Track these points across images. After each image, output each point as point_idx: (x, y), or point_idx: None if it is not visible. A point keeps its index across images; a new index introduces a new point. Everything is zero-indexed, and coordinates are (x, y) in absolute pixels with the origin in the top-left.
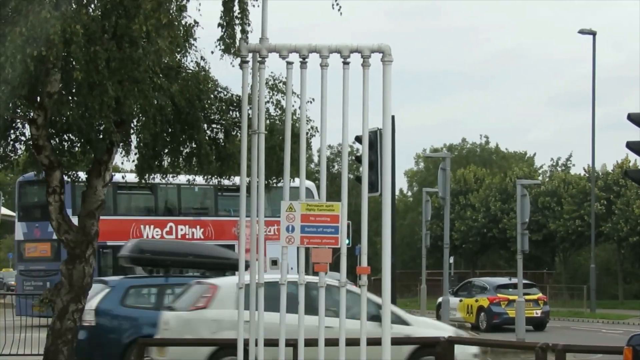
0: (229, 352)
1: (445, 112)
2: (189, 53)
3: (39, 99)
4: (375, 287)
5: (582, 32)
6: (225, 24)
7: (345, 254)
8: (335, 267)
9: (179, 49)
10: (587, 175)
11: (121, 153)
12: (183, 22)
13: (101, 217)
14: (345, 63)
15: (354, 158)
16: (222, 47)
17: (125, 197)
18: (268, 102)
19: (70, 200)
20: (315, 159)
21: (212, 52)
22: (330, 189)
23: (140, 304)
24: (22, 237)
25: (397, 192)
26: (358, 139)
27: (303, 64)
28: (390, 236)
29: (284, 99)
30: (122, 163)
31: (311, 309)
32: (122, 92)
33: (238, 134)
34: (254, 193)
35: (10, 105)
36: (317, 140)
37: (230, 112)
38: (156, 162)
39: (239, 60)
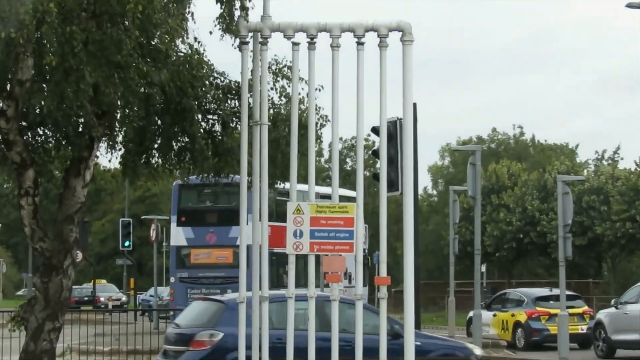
0: None
1: (475, 99)
2: (185, 33)
3: (8, 87)
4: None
5: (630, 5)
6: None
7: (362, 263)
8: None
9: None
10: (638, 169)
11: (106, 149)
12: None
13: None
14: (360, 43)
15: (370, 152)
16: (222, 26)
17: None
18: (271, 89)
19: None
20: (326, 153)
21: (211, 33)
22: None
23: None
24: (185, 242)
25: (420, 191)
26: (375, 131)
27: (311, 45)
28: (413, 241)
29: (289, 86)
30: (110, 161)
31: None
32: (102, 78)
33: (237, 125)
34: (256, 193)
35: None
36: (328, 132)
37: (229, 101)
38: (143, 159)
39: (238, 41)
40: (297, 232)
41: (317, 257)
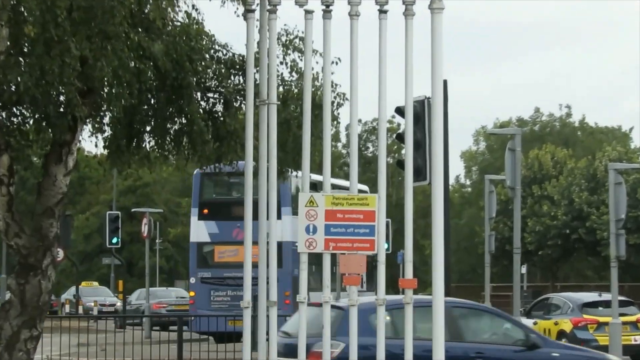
0: None
1: (514, 76)
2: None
3: None
4: None
5: None
6: None
7: (384, 262)
8: (369, 279)
9: None
10: None
11: (91, 132)
12: None
13: None
14: (382, 12)
15: (394, 136)
16: None
17: None
18: (281, 63)
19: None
20: (344, 137)
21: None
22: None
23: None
24: (208, 238)
25: (451, 181)
26: (399, 111)
27: (326, 14)
28: (444, 239)
29: (301, 60)
30: (96, 145)
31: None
32: (90, 51)
33: (242, 105)
34: (262, 183)
35: None
36: (346, 113)
37: (232, 77)
38: (133, 144)
39: (242, 9)
40: (310, 227)
41: (333, 257)
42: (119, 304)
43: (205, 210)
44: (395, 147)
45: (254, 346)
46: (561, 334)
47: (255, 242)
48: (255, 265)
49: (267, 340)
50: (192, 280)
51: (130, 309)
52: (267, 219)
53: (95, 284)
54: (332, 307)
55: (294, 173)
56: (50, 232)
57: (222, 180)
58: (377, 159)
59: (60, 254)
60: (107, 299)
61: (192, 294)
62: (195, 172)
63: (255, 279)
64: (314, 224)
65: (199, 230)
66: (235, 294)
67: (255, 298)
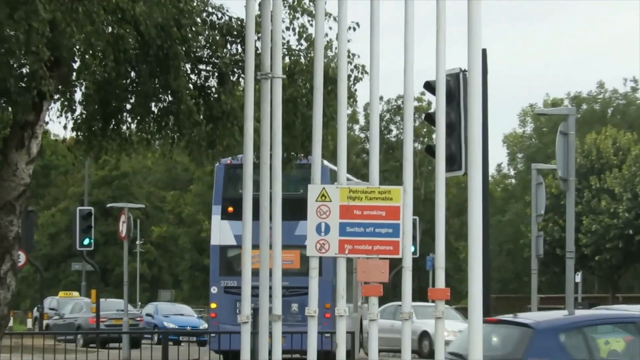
0: None
1: (569, 45)
2: None
3: None
4: None
5: None
6: None
7: (411, 269)
8: (394, 289)
9: None
10: None
11: (60, 111)
12: None
13: None
14: None
15: (422, 117)
16: None
17: None
18: (287, 29)
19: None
20: (362, 119)
21: None
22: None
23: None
24: (233, 241)
25: (491, 171)
26: (429, 87)
27: None
28: (482, 240)
29: (311, 25)
30: (65, 127)
31: None
32: (61, 13)
33: (240, 79)
34: (265, 173)
35: None
36: (365, 89)
37: (228, 46)
38: (110, 126)
39: None
40: (322, 226)
41: (349, 262)
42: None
43: (231, 208)
44: (425, 130)
45: None
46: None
47: (287, 246)
48: (284, 273)
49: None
50: (214, 289)
51: (62, 323)
52: (270, 219)
53: (76, 294)
54: (515, 324)
55: (325, 163)
56: (9, 231)
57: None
58: (402, 145)
59: (22, 257)
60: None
61: (213, 305)
62: (218, 163)
63: (286, 289)
64: (326, 223)
65: (223, 232)
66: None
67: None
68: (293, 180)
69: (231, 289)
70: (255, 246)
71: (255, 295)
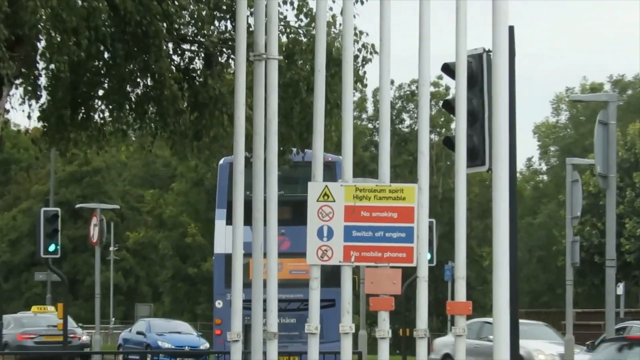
0: None
1: (609, 21)
2: None
3: None
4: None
5: None
6: None
7: (427, 279)
8: (407, 302)
9: None
10: None
11: (22, 98)
12: None
13: None
14: None
15: (440, 104)
16: None
17: None
18: (284, 2)
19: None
20: (371, 106)
21: None
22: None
23: None
24: (242, 249)
25: (520, 166)
26: (448, 70)
27: None
28: (509, 246)
29: None
30: (29, 116)
31: None
32: None
33: (230, 61)
34: (258, 169)
35: None
36: (374, 72)
37: (216, 23)
38: (80, 114)
39: None
40: (324, 229)
41: (356, 271)
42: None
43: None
44: (442, 119)
45: None
46: None
47: (301, 254)
48: (299, 284)
49: None
50: (219, 303)
51: None
52: (265, 223)
53: (51, 309)
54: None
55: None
56: None
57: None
58: (416, 137)
59: None
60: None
61: (218, 322)
62: (222, 161)
63: (301, 302)
64: (329, 226)
65: (228, 238)
66: (279, 322)
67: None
68: (308, 178)
69: (246, 303)
70: (265, 254)
71: (283, 310)
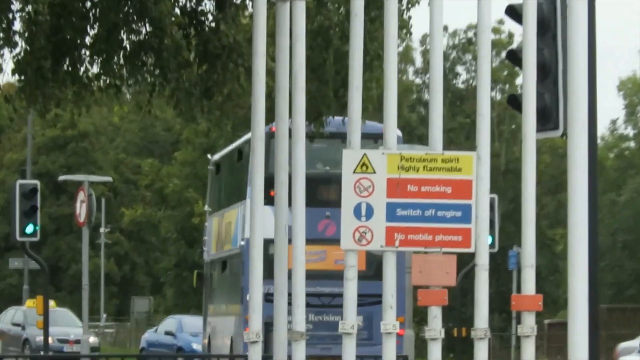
0: None
1: None
2: None
3: None
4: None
5: None
6: None
7: (487, 268)
8: (463, 297)
9: None
10: None
11: None
12: None
13: None
14: None
15: (504, 55)
16: None
17: None
18: None
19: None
20: (418, 57)
21: None
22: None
23: None
24: None
25: (601, 130)
26: (513, 13)
27: None
28: (589, 228)
29: None
30: (1, 69)
31: None
32: None
33: (247, 2)
34: (281, 134)
35: None
36: (423, 16)
37: None
38: (64, 65)
39: None
40: (362, 207)
41: (401, 257)
42: (92, 339)
43: (273, 192)
44: (506, 72)
45: None
46: None
47: (339, 241)
48: (342, 277)
49: None
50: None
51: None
52: (290, 204)
53: (51, 304)
54: None
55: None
56: None
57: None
58: (474, 94)
59: None
60: (72, 330)
61: (249, 318)
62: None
63: (337, 297)
64: (368, 203)
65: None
66: (320, 319)
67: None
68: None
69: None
70: (307, 241)
71: (327, 305)
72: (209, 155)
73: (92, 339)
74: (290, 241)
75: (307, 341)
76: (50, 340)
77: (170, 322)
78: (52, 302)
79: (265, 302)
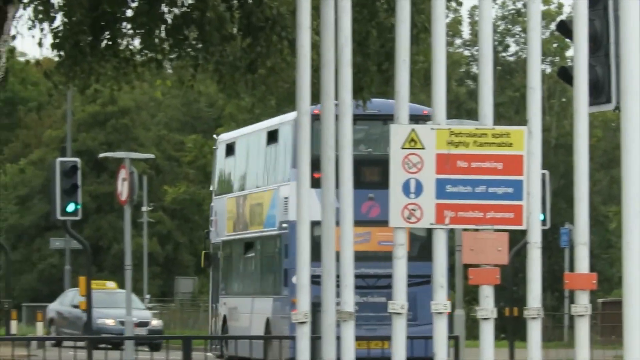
0: None
1: None
2: None
3: None
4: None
5: None
6: None
7: (540, 246)
8: (514, 275)
9: None
10: None
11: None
12: None
13: None
14: None
15: (554, 26)
16: None
17: None
18: None
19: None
20: (466, 29)
21: None
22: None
23: None
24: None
25: None
26: None
27: None
28: None
29: None
30: (40, 44)
31: None
32: None
33: None
34: (327, 109)
35: None
36: None
37: None
38: (103, 40)
39: None
40: (411, 184)
41: (450, 235)
42: (155, 322)
43: (318, 174)
44: (556, 44)
45: None
46: None
47: (383, 222)
48: (389, 258)
49: None
50: (296, 279)
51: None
52: (337, 186)
53: (112, 285)
54: None
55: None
56: None
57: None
58: (524, 67)
59: None
60: (136, 313)
61: (296, 300)
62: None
63: (382, 278)
64: (417, 179)
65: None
66: (366, 300)
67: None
68: None
69: (320, 278)
70: (354, 222)
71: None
72: (215, 135)
73: (156, 322)
74: (337, 223)
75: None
76: (112, 322)
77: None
78: (113, 284)
79: (312, 285)
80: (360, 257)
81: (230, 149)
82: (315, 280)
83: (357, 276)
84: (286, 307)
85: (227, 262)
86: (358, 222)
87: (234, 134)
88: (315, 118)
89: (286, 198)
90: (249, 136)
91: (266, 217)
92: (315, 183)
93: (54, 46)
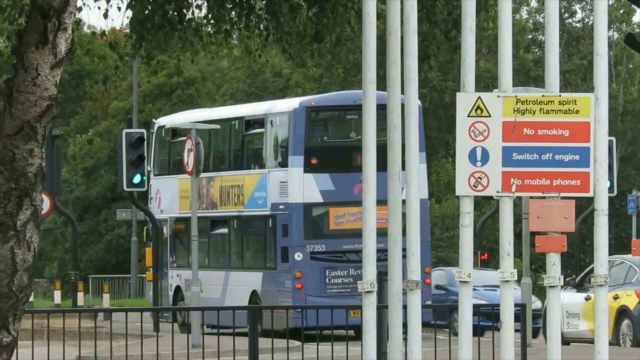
0: None
1: None
2: None
3: None
4: None
5: None
6: None
7: (607, 213)
8: (581, 243)
9: None
10: None
11: None
12: None
13: None
14: None
15: None
16: None
17: None
18: None
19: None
20: None
21: None
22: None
23: None
24: (320, 198)
25: None
26: None
27: None
28: None
29: None
30: (106, 15)
31: None
32: None
33: None
34: (393, 76)
35: None
36: None
37: None
38: (169, 12)
39: None
40: (477, 152)
41: (517, 202)
42: None
43: (315, 160)
44: (623, 10)
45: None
46: (622, 313)
47: (381, 201)
48: (380, 233)
49: (404, 339)
50: (298, 256)
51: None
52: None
53: None
54: None
55: None
56: (29, 165)
57: (337, 116)
58: (591, 34)
59: (46, 203)
60: None
61: (298, 275)
62: (297, 105)
63: (382, 252)
64: (484, 147)
65: (306, 187)
66: (360, 274)
67: (381, 276)
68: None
69: (319, 254)
70: (346, 203)
71: (380, 260)
72: (154, 120)
73: None
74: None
75: (349, 294)
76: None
77: (439, 275)
78: None
79: (311, 260)
80: (356, 234)
81: (177, 133)
82: (318, 257)
83: (353, 251)
84: (285, 281)
85: (180, 238)
86: (352, 203)
87: (179, 118)
88: (311, 110)
89: (283, 182)
90: (219, 122)
91: (249, 198)
92: (313, 168)
93: (122, 17)
